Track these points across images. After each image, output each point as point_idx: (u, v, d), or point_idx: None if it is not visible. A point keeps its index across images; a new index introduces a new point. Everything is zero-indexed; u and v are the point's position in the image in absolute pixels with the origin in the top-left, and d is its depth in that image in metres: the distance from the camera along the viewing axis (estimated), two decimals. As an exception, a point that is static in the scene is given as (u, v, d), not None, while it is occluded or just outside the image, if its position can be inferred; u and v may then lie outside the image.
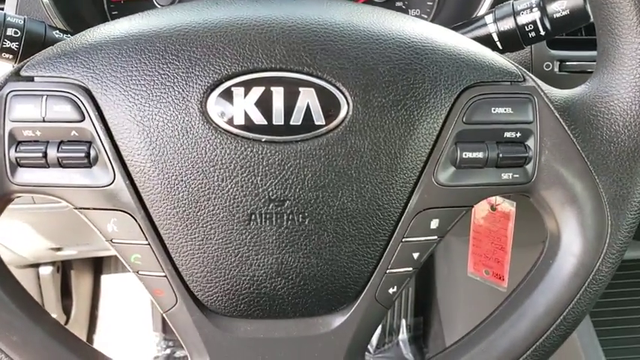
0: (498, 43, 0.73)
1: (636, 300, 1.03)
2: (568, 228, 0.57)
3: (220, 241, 0.52)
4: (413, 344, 1.76)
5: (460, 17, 0.83)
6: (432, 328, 1.74)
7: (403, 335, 1.76)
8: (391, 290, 0.56)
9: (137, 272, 0.54)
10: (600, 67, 0.57)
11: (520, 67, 0.57)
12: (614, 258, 0.57)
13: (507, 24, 0.72)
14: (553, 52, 0.89)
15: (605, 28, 0.57)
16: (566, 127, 0.55)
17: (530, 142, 0.56)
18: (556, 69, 0.90)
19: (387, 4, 1.01)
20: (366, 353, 0.64)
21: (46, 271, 1.61)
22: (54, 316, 0.88)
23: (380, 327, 1.72)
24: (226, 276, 0.53)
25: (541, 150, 0.56)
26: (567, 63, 0.90)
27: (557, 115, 0.55)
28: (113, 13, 0.96)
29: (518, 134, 0.55)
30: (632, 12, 0.54)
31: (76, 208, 0.53)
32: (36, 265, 1.60)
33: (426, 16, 1.02)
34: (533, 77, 0.56)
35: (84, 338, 1.11)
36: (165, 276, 0.53)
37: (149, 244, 0.52)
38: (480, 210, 0.85)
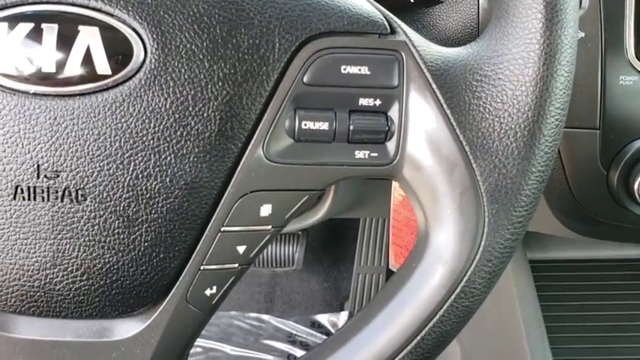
0: (409, -6, 0.60)
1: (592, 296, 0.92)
2: (437, 224, 0.45)
3: None
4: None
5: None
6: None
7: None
8: (209, 292, 0.44)
9: None
10: (493, 19, 0.45)
11: (392, 16, 0.44)
12: (492, 267, 0.44)
13: None
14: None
15: None
16: (440, 96, 0.43)
17: (394, 113, 0.43)
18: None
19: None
20: None
21: None
22: None
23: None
24: None
25: (406, 123, 0.43)
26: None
27: (430, 79, 0.43)
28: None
29: (378, 102, 0.43)
30: None
31: None
32: None
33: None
34: (407, 29, 0.44)
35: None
36: None
37: None
38: (398, 195, 0.72)
